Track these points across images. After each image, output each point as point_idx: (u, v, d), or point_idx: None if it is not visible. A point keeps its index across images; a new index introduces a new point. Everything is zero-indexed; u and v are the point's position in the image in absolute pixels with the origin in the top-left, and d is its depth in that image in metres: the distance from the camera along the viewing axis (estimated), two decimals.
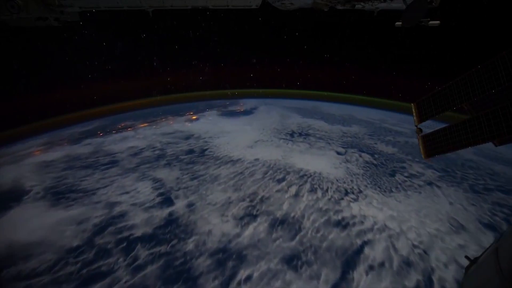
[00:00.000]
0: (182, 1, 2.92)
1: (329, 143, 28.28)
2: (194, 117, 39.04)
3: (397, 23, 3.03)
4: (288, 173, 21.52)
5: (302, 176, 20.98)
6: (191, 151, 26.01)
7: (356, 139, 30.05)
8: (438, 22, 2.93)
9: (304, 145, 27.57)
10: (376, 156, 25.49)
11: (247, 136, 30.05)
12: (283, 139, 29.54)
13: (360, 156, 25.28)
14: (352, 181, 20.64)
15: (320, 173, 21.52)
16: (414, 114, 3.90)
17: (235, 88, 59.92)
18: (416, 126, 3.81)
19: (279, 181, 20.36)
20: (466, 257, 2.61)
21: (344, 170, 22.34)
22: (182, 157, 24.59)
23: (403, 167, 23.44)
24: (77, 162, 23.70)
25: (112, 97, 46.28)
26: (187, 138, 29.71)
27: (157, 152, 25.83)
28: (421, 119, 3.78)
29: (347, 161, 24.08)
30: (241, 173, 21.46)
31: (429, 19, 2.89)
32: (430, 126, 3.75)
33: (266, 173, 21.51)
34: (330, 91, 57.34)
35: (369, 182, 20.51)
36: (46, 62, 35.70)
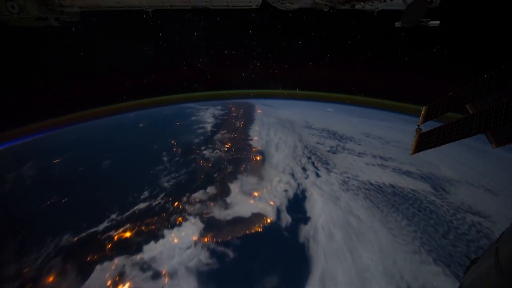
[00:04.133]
0: (182, 1, 2.93)
1: None
2: None
3: (397, 23, 3.02)
4: None
5: None
6: None
7: None
8: (438, 22, 2.96)
9: None
10: None
11: None
12: None
13: None
14: None
15: None
16: (421, 115, 3.98)
17: (234, 89, 49.62)
18: (418, 126, 3.88)
19: None
20: (466, 257, 2.48)
21: None
22: None
23: None
24: None
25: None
26: None
27: None
28: (425, 120, 3.90)
29: None
30: None
31: (429, 19, 2.92)
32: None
33: None
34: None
35: None
36: None
